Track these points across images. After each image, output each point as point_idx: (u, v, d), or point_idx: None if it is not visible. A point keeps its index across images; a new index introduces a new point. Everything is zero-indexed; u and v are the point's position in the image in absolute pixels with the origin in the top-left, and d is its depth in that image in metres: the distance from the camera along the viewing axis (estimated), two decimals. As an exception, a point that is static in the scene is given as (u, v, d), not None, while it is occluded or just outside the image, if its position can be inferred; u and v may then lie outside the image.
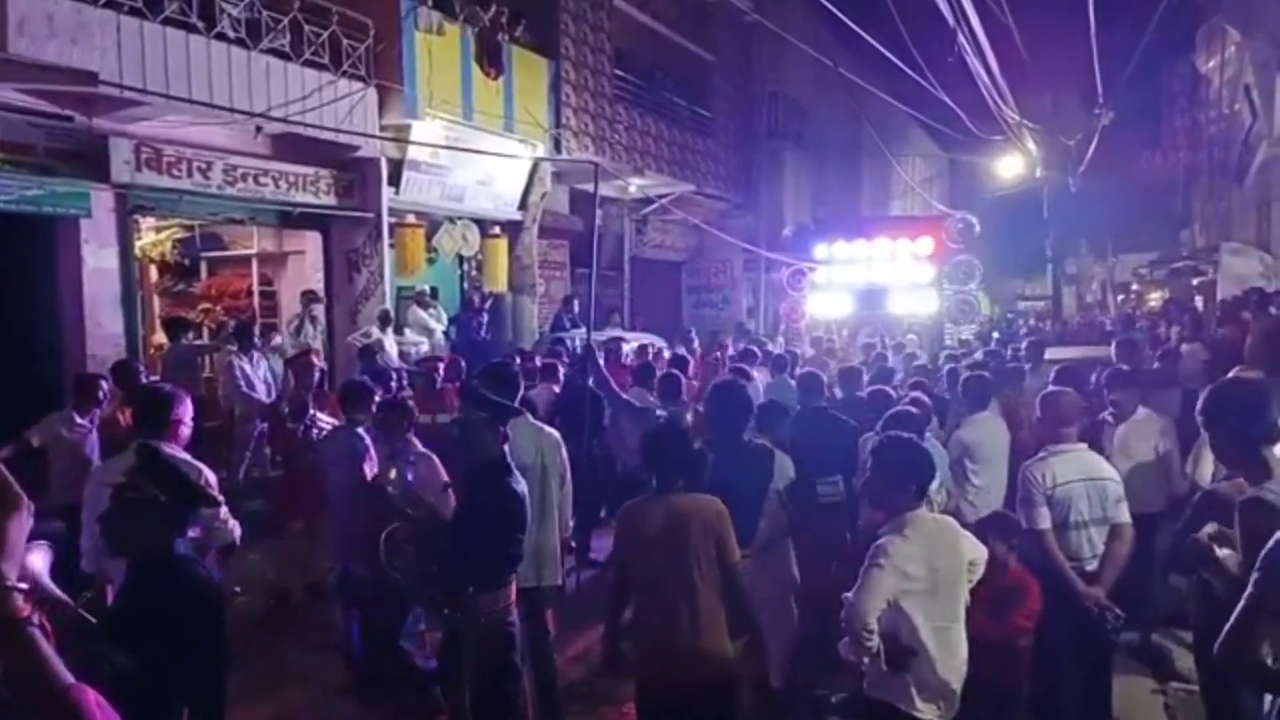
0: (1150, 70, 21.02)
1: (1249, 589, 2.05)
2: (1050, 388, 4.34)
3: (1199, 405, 2.98)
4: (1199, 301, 15.97)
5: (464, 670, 3.43)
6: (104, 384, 5.64)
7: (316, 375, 6.24)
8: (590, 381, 5.78)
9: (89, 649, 2.05)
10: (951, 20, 6.74)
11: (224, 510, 3.45)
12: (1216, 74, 17.28)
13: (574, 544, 5.37)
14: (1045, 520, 3.82)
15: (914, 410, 4.87)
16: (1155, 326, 12.75)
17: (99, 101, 7.39)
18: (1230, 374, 5.92)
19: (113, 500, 2.42)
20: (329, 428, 5.49)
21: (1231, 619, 2.05)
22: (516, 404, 4.26)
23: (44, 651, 1.35)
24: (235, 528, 3.54)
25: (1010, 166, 18.58)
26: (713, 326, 15.58)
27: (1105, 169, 18.64)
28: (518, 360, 7.58)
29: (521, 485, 3.49)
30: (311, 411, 5.79)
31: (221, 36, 8.03)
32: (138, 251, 9.04)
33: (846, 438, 4.73)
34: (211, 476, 3.51)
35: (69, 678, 1.34)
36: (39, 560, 2.27)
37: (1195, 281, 17.76)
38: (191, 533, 3.33)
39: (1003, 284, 28.17)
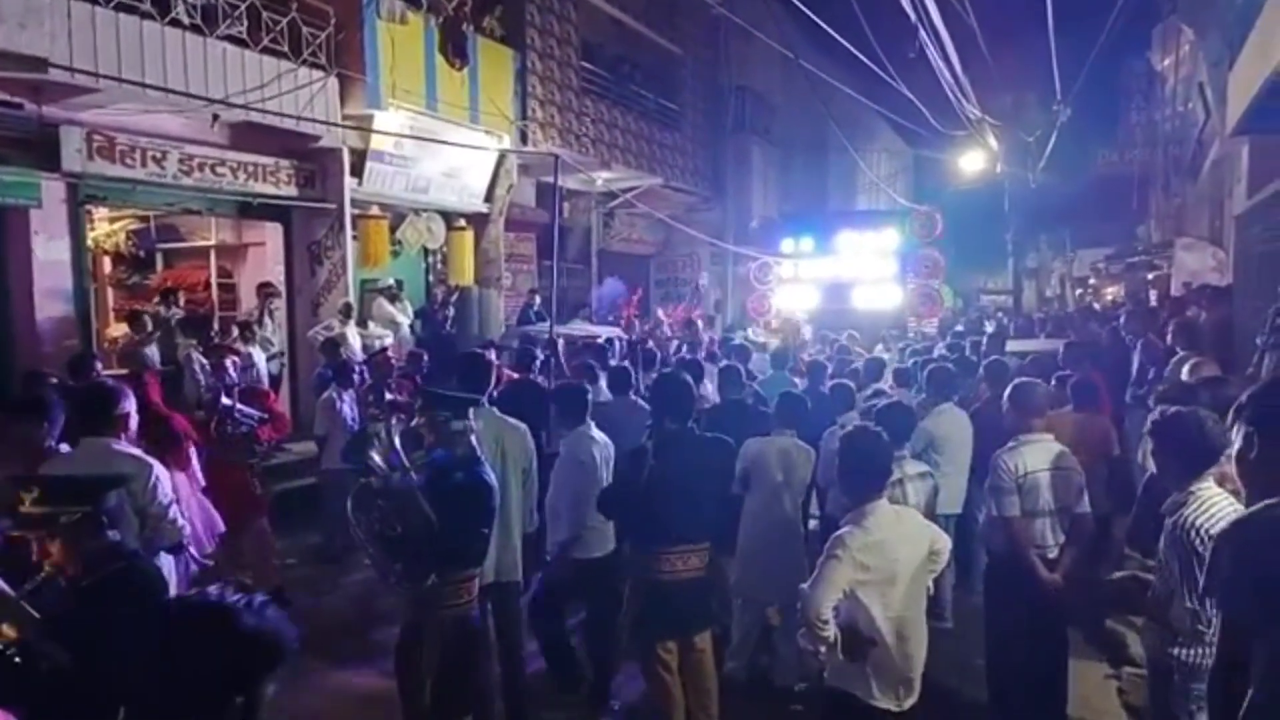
0: (1108, 68, 21.37)
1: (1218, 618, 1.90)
2: (1020, 379, 4.39)
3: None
4: (1153, 296, 16.30)
5: (424, 663, 3.40)
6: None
7: (231, 373, 6.32)
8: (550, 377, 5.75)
9: (30, 644, 1.99)
10: (914, 16, 6.80)
11: (173, 509, 3.37)
12: (1171, 72, 17.60)
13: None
14: (1014, 507, 3.88)
15: (904, 405, 4.94)
16: (1113, 320, 12.99)
17: (49, 88, 7.19)
18: (1186, 366, 6.09)
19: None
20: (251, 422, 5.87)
21: (1215, 654, 1.91)
22: (490, 392, 4.24)
23: None
24: (184, 527, 3.46)
25: (973, 162, 18.79)
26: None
27: (1064, 165, 18.98)
28: (493, 352, 7.52)
29: (491, 476, 3.48)
30: (228, 403, 5.84)
31: (176, 23, 7.84)
32: (90, 243, 8.80)
33: (753, 429, 4.95)
34: (162, 472, 3.43)
35: None
36: None
37: (1150, 276, 18.11)
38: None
39: (965, 277, 28.58)
